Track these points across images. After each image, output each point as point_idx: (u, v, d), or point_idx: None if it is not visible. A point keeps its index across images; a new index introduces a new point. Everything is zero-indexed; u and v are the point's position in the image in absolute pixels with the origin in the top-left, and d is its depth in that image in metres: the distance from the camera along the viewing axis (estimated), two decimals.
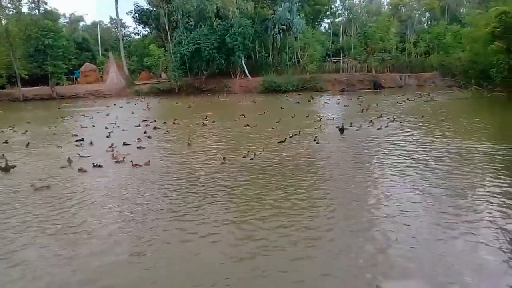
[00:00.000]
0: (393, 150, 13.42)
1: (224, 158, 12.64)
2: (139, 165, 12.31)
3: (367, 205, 8.50)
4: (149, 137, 17.55)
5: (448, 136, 15.31)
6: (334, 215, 7.98)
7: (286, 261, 6.19)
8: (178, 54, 43.88)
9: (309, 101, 32.23)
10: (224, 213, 8.24)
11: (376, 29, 50.10)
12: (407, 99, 30.46)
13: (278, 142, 15.01)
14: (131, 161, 12.67)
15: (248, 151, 13.21)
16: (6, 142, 17.41)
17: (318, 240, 6.88)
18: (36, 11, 52.33)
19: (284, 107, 28.22)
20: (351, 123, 18.62)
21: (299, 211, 8.17)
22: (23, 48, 45.38)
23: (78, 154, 14.10)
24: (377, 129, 17.46)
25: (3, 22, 44.65)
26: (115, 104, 36.10)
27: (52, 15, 56.02)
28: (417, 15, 62.26)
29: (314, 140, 15.05)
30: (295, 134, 16.44)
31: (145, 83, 48.80)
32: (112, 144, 15.46)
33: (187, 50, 43.27)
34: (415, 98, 31.27)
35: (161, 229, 7.52)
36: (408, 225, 7.25)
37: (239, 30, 43.42)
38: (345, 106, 28.41)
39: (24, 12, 48.98)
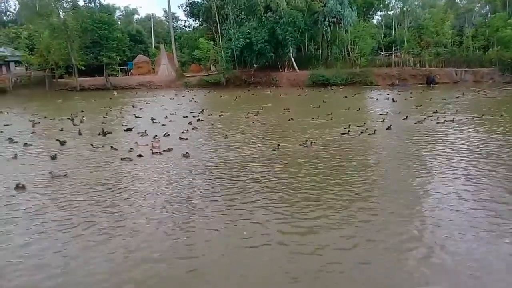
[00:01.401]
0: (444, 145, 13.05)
1: (278, 145, 13.47)
2: (159, 153, 13.10)
3: None
4: (194, 128, 17.97)
5: None
6: None
7: None
8: (230, 50, 44.16)
9: (353, 96, 31.62)
10: None
11: (431, 22, 48.15)
12: (463, 94, 29.16)
13: (341, 134, 15.63)
14: (150, 149, 13.58)
15: (306, 140, 13.99)
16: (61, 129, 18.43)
17: None
18: (92, 4, 54.54)
19: (327, 101, 27.91)
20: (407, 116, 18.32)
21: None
22: (80, 40, 47.36)
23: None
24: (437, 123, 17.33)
25: (62, 15, 46.73)
26: (163, 96, 37.16)
27: (107, 8, 58.06)
28: (476, 8, 59.27)
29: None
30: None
31: (195, 75, 49.58)
32: (155, 136, 15.95)
33: (238, 45, 43.49)
34: (473, 94, 29.98)
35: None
36: None
37: (289, 20, 43.18)
38: (393, 101, 27.42)
39: (81, 5, 51.13)
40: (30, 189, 9.74)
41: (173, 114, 22.56)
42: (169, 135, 16.28)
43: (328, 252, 6.37)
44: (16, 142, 15.60)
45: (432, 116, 19.52)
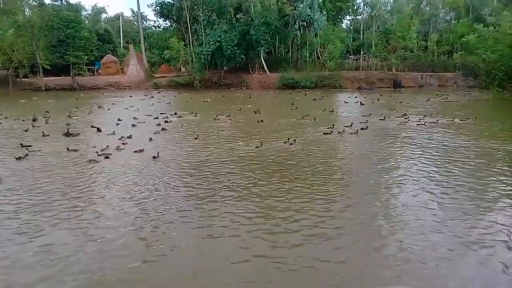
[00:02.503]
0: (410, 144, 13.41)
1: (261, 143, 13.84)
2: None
3: None
4: (163, 129, 17.80)
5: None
6: None
7: None
8: (201, 55, 43.91)
9: (320, 99, 32.12)
10: None
11: (397, 27, 49.42)
12: (427, 100, 30.04)
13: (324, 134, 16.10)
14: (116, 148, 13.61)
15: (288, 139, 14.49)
16: (26, 130, 17.87)
17: None
18: (59, 2, 53.28)
19: (301, 103, 28.24)
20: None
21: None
22: (45, 38, 46.12)
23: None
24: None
25: (27, 12, 45.41)
26: (131, 96, 36.65)
27: (74, 7, 56.89)
28: (441, 14, 61.21)
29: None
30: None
31: (164, 76, 49.13)
32: (122, 137, 15.73)
33: (209, 49, 43.33)
34: (434, 98, 30.93)
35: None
36: None
37: (262, 21, 43.50)
38: (361, 104, 27.96)
39: (47, 3, 49.85)
40: None
41: (149, 115, 22.17)
42: (130, 136, 15.99)
43: None
44: None
45: (407, 117, 20.17)
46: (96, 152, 12.96)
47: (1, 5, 43.48)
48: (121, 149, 13.73)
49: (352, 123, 17.98)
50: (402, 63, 47.55)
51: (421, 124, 18.40)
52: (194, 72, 45.01)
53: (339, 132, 16.27)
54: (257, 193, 9.14)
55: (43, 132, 16.70)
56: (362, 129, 16.92)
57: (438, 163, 11.46)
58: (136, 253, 6.40)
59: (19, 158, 12.40)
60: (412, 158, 12.12)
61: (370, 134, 16.24)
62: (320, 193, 9.04)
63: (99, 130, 17.69)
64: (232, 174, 10.72)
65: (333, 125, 17.61)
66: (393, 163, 11.69)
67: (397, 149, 13.48)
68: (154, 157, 12.38)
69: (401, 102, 28.34)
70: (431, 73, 45.75)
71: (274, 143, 14.37)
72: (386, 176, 10.33)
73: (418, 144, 14.00)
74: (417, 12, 60.20)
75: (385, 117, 20.47)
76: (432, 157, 12.18)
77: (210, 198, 8.92)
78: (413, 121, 19.16)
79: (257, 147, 13.68)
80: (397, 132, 16.48)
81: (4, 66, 45.68)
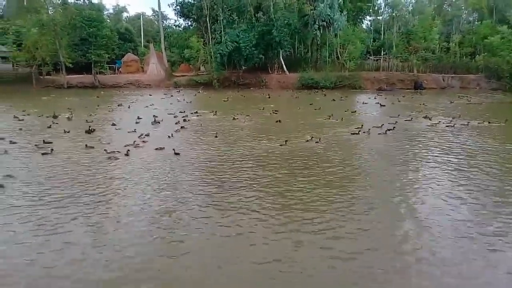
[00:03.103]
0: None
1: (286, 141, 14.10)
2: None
3: None
4: (182, 127, 17.95)
5: None
6: None
7: None
8: (218, 54, 44.04)
9: (341, 99, 31.94)
10: None
11: (419, 28, 48.74)
12: (451, 102, 29.58)
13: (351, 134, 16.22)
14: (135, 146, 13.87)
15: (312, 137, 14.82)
16: (49, 127, 18.17)
17: None
18: (82, 0, 54.09)
19: (322, 103, 28.15)
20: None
21: None
22: (68, 37, 46.75)
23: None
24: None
25: (50, 11, 46.15)
26: (150, 95, 36.97)
27: (96, 6, 57.55)
28: (463, 15, 60.20)
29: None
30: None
31: (184, 75, 49.39)
32: (142, 134, 15.89)
33: (226, 49, 43.43)
34: (457, 100, 30.46)
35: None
36: None
37: (284, 22, 43.42)
38: (381, 106, 27.68)
39: (70, 2, 50.59)
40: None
41: (170, 114, 22.41)
42: (150, 134, 16.11)
43: None
44: (3, 138, 15.31)
45: (435, 119, 19.99)
46: (116, 150, 13.13)
47: (25, 3, 44.16)
48: (141, 147, 13.89)
49: (382, 124, 17.95)
50: (423, 64, 46.87)
51: (451, 126, 18.16)
52: (213, 71, 45.15)
53: (364, 132, 16.26)
54: (281, 192, 9.16)
55: (64, 130, 17.00)
56: (388, 130, 16.87)
57: (467, 166, 11.30)
58: (158, 251, 6.51)
59: (44, 154, 12.66)
60: (441, 160, 11.99)
61: (400, 135, 16.16)
62: (349, 194, 9.04)
63: (119, 127, 17.93)
64: (253, 170, 10.76)
65: (362, 125, 17.61)
66: (420, 165, 11.62)
67: (426, 151, 13.37)
68: (176, 154, 12.52)
69: (424, 104, 27.94)
70: (453, 75, 44.97)
71: (297, 141, 14.41)
72: (412, 176, 10.26)
73: (449, 146, 13.87)
74: (439, 12, 59.32)
75: (412, 118, 20.34)
76: (460, 160, 12.03)
77: (231, 193, 8.98)
78: (442, 123, 18.95)
79: (281, 145, 13.76)
80: (427, 134, 16.38)
81: (28, 64, 46.56)
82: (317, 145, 13.87)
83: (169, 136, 15.60)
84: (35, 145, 14.07)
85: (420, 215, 7.76)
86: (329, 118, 20.41)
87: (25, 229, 7.16)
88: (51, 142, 14.27)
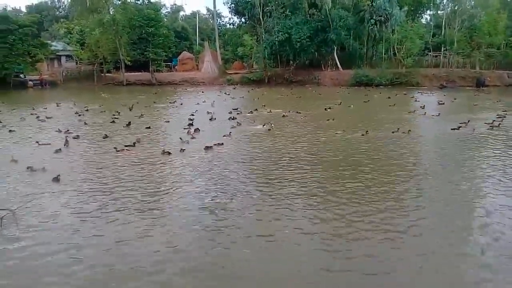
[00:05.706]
0: None
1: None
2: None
3: None
4: (238, 124, 18.10)
5: None
6: None
7: None
8: (268, 43, 43.96)
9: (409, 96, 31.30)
10: None
11: (484, 23, 46.12)
12: None
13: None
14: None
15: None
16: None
17: None
18: (140, 0, 55.92)
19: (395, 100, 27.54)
20: None
21: None
22: (127, 36, 48.48)
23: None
24: None
25: (111, 11, 48.07)
26: (202, 92, 37.61)
27: (155, 5, 59.28)
28: None
29: None
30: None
31: (237, 73, 49.88)
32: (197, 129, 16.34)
33: (277, 39, 43.24)
34: None
35: None
36: None
37: (340, 23, 42.73)
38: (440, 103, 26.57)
39: (129, 2, 52.40)
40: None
41: (235, 109, 22.82)
42: (205, 130, 16.39)
43: None
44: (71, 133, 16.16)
45: None
46: (170, 146, 13.42)
47: (88, 4, 46.16)
48: (196, 143, 14.00)
49: (493, 120, 17.78)
50: (486, 61, 44.37)
51: None
52: (265, 68, 45.11)
53: (465, 125, 16.70)
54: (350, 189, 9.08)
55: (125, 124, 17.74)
56: (492, 127, 16.83)
57: None
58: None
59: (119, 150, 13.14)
60: None
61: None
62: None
63: (174, 123, 18.36)
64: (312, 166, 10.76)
65: (468, 120, 17.53)
66: None
67: None
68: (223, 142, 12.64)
69: (499, 101, 26.85)
70: None
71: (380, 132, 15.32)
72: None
73: None
74: (505, 7, 55.83)
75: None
76: None
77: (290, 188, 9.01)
78: None
79: (362, 135, 15.07)
80: None
81: (90, 62, 48.93)
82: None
83: (225, 135, 15.35)
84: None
85: None
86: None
87: None
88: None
